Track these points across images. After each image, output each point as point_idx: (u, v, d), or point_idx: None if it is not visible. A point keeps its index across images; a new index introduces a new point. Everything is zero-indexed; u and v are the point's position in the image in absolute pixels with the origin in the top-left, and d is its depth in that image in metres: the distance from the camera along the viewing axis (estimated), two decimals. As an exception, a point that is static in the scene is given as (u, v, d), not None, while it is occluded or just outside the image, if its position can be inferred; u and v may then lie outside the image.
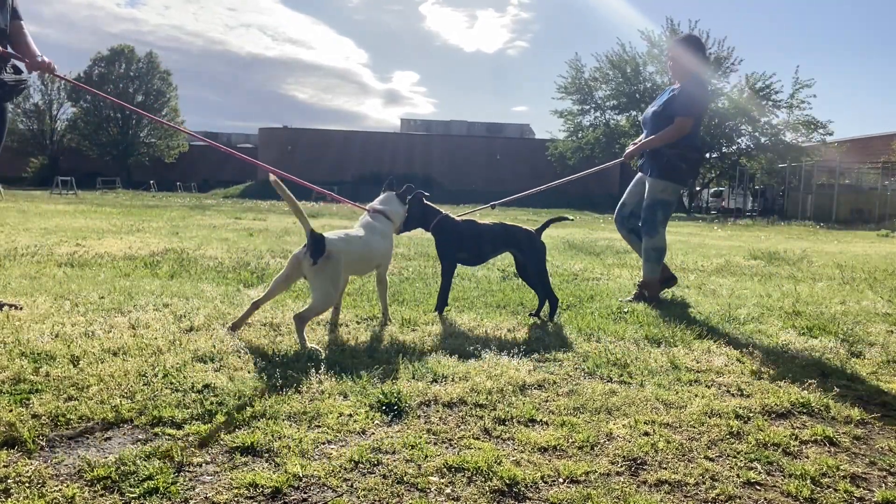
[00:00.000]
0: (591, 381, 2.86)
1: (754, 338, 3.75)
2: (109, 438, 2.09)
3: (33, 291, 4.14)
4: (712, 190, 42.32)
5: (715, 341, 3.60)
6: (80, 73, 50.78)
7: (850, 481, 2.02)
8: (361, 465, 1.98)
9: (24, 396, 2.34)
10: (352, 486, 1.86)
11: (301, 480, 1.87)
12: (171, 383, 2.53)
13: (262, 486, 1.82)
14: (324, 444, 2.11)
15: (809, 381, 2.91)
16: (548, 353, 3.21)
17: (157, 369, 2.66)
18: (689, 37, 5.20)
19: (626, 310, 4.33)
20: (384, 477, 1.91)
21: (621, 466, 2.05)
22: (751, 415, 2.52)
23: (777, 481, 2.00)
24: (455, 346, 3.29)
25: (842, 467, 2.10)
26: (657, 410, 2.52)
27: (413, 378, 2.75)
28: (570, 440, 2.21)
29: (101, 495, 1.75)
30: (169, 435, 2.11)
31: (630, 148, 5.00)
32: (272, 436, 2.13)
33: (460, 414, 2.41)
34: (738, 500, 1.88)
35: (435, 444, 2.16)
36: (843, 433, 2.39)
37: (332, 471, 1.93)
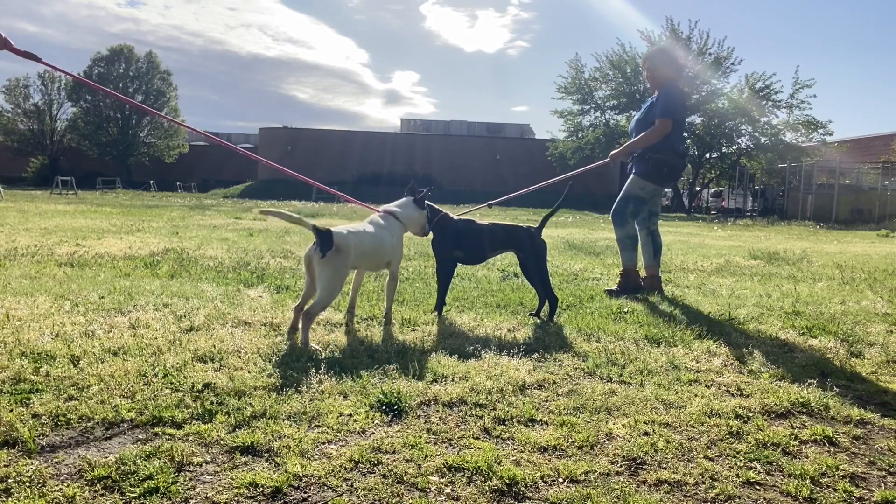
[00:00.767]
0: (591, 381, 2.86)
1: (754, 338, 3.75)
2: (110, 438, 2.09)
3: (33, 291, 4.15)
4: (712, 190, 42.34)
5: (715, 341, 3.60)
6: (80, 73, 50.81)
7: (850, 481, 2.02)
8: (361, 465, 1.98)
9: (24, 396, 2.34)
10: (352, 485, 1.86)
11: (301, 480, 1.87)
12: (171, 383, 2.53)
13: (262, 486, 1.83)
14: (324, 443, 2.11)
15: (809, 381, 2.91)
16: (548, 353, 3.21)
17: (157, 369, 2.67)
18: (659, 49, 5.59)
19: (625, 310, 4.33)
20: (384, 477, 1.91)
21: (621, 466, 2.06)
22: (750, 415, 2.52)
23: (777, 481, 2.00)
24: (455, 346, 3.29)
25: (841, 467, 2.10)
26: (657, 410, 2.52)
27: (413, 378, 2.75)
28: (570, 440, 2.22)
29: (102, 495, 1.75)
30: (169, 435, 2.11)
31: (615, 150, 5.35)
32: (272, 436, 2.13)
33: (460, 414, 2.42)
34: (737, 500, 1.88)
35: (435, 443, 2.16)
36: (843, 433, 2.39)
37: (332, 470, 1.93)
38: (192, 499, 1.76)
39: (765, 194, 35.81)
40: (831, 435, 2.35)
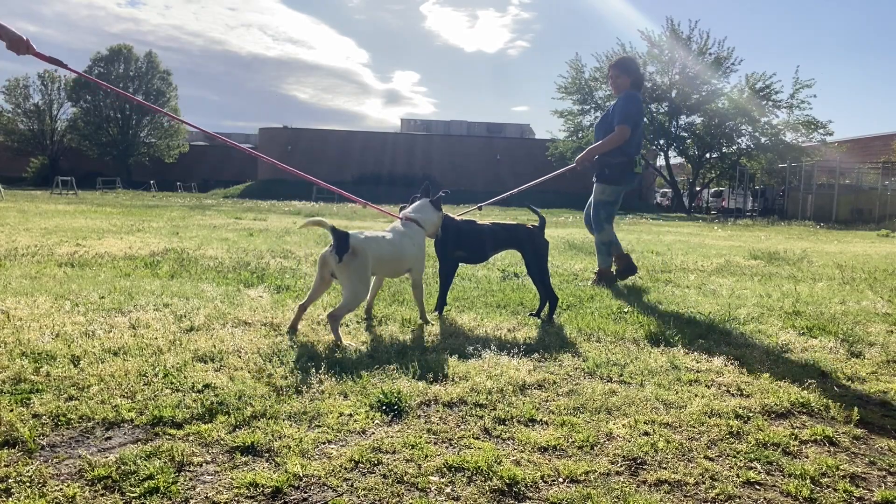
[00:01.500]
0: (591, 381, 2.86)
1: (754, 338, 3.75)
2: (110, 438, 2.09)
3: (33, 291, 4.15)
4: (712, 190, 42.33)
5: (715, 341, 3.60)
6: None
7: (850, 481, 2.02)
8: (361, 465, 1.98)
9: (24, 396, 2.34)
10: (352, 485, 1.86)
11: (301, 480, 1.87)
12: (172, 383, 2.53)
13: (263, 486, 1.83)
14: (324, 443, 2.11)
15: (809, 381, 2.91)
16: (548, 353, 3.22)
17: (157, 369, 2.67)
18: (622, 59, 5.78)
19: (625, 310, 4.34)
20: (384, 477, 1.92)
21: (621, 466, 2.06)
22: (750, 415, 2.52)
23: (777, 481, 2.00)
24: (455, 346, 3.29)
25: (841, 467, 2.10)
26: (657, 410, 2.52)
27: (413, 378, 2.75)
28: (570, 440, 2.22)
29: (102, 495, 1.75)
30: (169, 435, 2.11)
31: (580, 155, 5.66)
32: (272, 436, 2.13)
33: (460, 414, 2.42)
34: (737, 500, 1.88)
35: (435, 443, 2.16)
36: (843, 433, 2.39)
37: (332, 470, 1.93)
38: (192, 499, 1.76)
39: (765, 194, 35.79)
40: (831, 435, 2.35)
